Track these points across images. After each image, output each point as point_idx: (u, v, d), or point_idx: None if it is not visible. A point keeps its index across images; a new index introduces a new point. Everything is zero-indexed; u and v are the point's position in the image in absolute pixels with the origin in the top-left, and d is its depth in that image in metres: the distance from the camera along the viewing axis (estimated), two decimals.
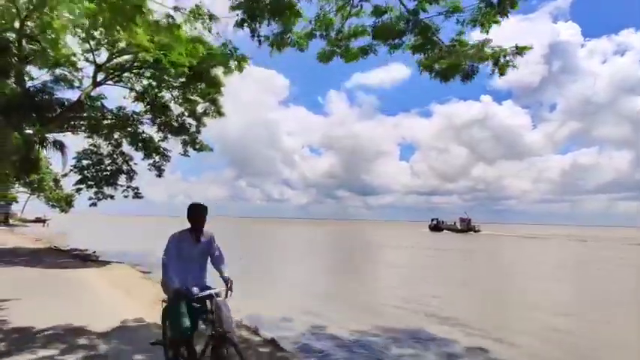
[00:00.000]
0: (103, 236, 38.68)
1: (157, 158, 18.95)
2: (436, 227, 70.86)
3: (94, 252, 18.37)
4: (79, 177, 18.23)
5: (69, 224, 60.80)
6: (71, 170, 18.38)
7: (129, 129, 18.21)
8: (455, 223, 70.27)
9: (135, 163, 19.46)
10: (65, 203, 48.28)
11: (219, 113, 16.68)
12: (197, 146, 18.42)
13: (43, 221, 71.41)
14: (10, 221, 49.09)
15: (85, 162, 18.56)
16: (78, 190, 18.38)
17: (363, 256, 26.37)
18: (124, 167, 19.30)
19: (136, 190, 18.93)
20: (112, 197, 18.98)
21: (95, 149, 18.71)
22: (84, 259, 14.88)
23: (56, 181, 45.56)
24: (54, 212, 50.58)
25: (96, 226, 69.61)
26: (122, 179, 19.20)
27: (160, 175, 18.90)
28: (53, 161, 33.99)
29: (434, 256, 26.15)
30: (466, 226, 67.68)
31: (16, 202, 61.05)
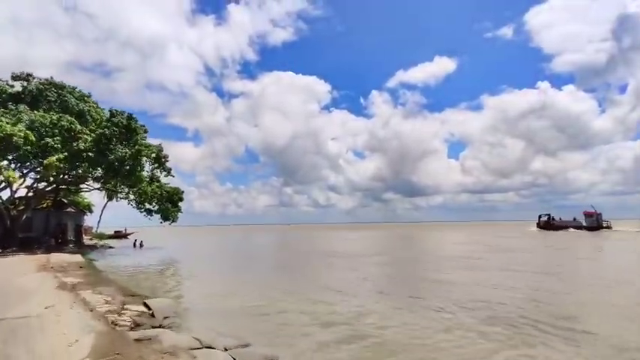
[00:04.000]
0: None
1: None
2: (549, 225, 56.05)
3: None
4: None
5: (154, 239, 40.44)
6: None
7: None
8: (574, 218, 56.80)
9: None
10: (171, 204, 27.56)
11: None
12: None
13: (125, 236, 53.69)
14: (85, 239, 29.50)
15: None
16: None
17: None
18: None
19: None
20: None
21: None
22: None
23: (159, 159, 24.73)
24: (148, 222, 30.19)
25: (189, 240, 50.04)
26: None
27: None
28: None
29: None
30: (596, 223, 53.59)
31: (91, 211, 42.73)
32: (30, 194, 25.05)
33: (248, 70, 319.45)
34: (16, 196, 25.49)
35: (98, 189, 32.84)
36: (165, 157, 24.35)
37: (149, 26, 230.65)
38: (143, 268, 16.49)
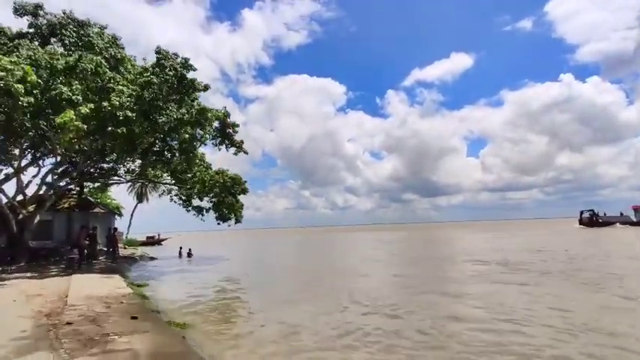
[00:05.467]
0: None
1: None
2: (593, 221, 51.25)
3: None
4: None
5: (195, 247, 33.38)
6: None
7: None
8: (621, 213, 52.34)
9: None
10: (234, 197, 19.83)
11: None
12: None
13: (159, 242, 46.85)
14: (120, 247, 22.22)
15: None
16: None
17: None
18: None
19: None
20: None
21: None
22: None
23: (225, 128, 16.95)
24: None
25: (230, 247, 43.00)
26: None
27: None
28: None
29: None
30: None
31: (120, 214, 35.95)
32: (43, 189, 17.84)
33: (263, 75, 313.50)
34: (27, 192, 18.43)
35: (133, 180, 25.72)
36: (234, 126, 16.51)
37: (166, 36, 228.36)
38: (242, 309, 8.67)
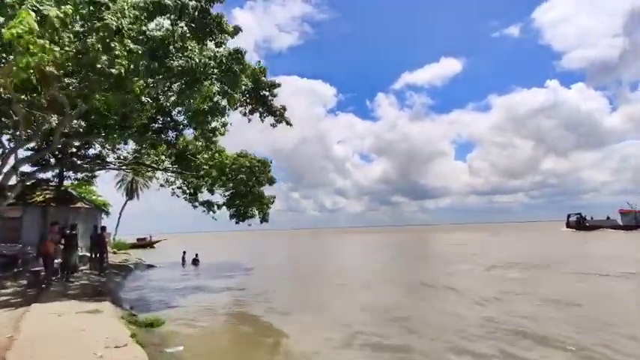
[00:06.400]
0: None
1: None
2: (580, 225, 51.35)
3: None
4: None
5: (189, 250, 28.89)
6: None
7: None
8: (608, 217, 52.62)
9: None
10: (260, 193, 15.09)
11: None
12: None
13: (151, 244, 41.65)
14: (110, 253, 17.33)
15: None
16: None
17: None
18: None
19: None
20: None
21: None
22: None
23: (259, 89, 12.23)
24: (223, 225, 17.91)
25: (234, 251, 38.48)
26: None
27: None
28: None
29: None
30: (634, 221, 48.59)
31: (107, 212, 30.79)
32: (2, 175, 12.97)
33: None
34: None
35: (124, 167, 20.93)
36: (272, 87, 11.86)
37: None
38: None
